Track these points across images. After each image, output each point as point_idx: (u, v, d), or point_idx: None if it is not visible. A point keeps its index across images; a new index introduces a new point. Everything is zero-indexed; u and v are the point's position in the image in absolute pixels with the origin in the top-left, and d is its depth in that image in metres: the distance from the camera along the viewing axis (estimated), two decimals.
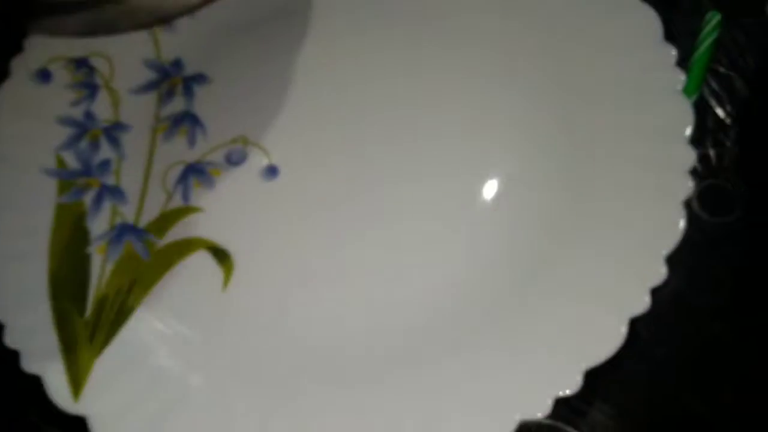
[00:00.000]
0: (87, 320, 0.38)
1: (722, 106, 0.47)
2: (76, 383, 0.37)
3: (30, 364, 0.37)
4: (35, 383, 0.37)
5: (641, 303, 0.36)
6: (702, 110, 0.42)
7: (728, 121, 0.46)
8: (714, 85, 0.47)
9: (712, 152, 0.45)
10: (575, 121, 0.42)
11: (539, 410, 0.34)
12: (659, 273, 0.36)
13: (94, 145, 0.43)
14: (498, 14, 0.45)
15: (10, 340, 0.37)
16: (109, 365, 0.37)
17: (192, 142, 0.44)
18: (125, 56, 0.46)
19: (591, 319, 0.36)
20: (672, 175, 0.39)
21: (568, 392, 0.35)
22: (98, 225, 0.41)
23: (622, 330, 0.35)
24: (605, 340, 0.35)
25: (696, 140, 0.40)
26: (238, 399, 0.37)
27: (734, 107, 0.46)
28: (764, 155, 0.44)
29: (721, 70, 0.47)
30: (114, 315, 0.39)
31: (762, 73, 0.47)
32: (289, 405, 0.36)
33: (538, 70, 0.44)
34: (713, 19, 0.46)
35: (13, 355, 0.37)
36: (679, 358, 0.39)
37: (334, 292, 0.40)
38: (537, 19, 0.44)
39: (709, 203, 0.43)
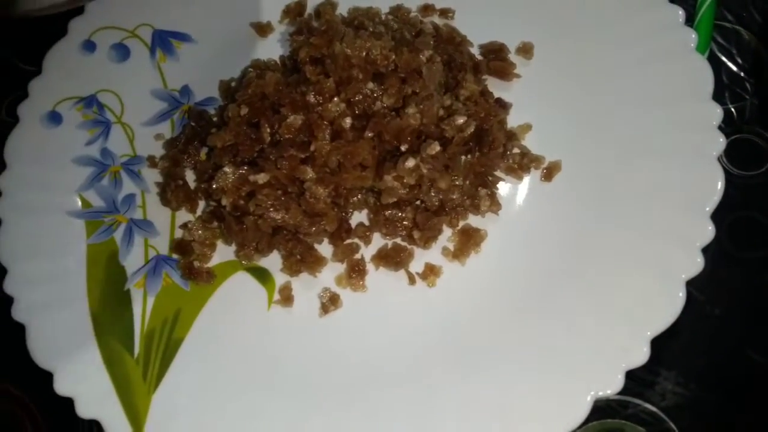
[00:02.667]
0: (137, 358, 0.37)
1: (733, 60, 0.46)
2: (137, 423, 0.36)
3: (86, 410, 0.36)
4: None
5: (695, 264, 0.35)
6: (715, 66, 0.42)
7: (742, 74, 0.46)
8: (721, 40, 0.47)
9: (732, 107, 0.45)
10: (599, 88, 0.41)
11: (611, 387, 0.34)
12: (707, 232, 0.36)
13: (116, 182, 0.42)
14: None
15: (62, 388, 0.36)
16: (166, 400, 0.37)
17: None
18: (132, 90, 0.45)
19: (649, 288, 0.35)
20: (703, 132, 0.38)
21: (637, 364, 0.34)
22: (133, 260, 0.40)
23: (681, 294, 0.35)
24: (666, 307, 0.35)
25: (714, 96, 0.39)
26: (301, 415, 0.36)
27: (745, 60, 0.46)
28: None
29: (727, 25, 0.47)
30: (163, 348, 0.38)
31: None
32: (357, 416, 0.36)
33: (556, 47, 0.43)
34: None
35: (67, 402, 0.36)
36: (736, 314, 0.39)
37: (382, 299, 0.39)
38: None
39: (737, 157, 0.43)
